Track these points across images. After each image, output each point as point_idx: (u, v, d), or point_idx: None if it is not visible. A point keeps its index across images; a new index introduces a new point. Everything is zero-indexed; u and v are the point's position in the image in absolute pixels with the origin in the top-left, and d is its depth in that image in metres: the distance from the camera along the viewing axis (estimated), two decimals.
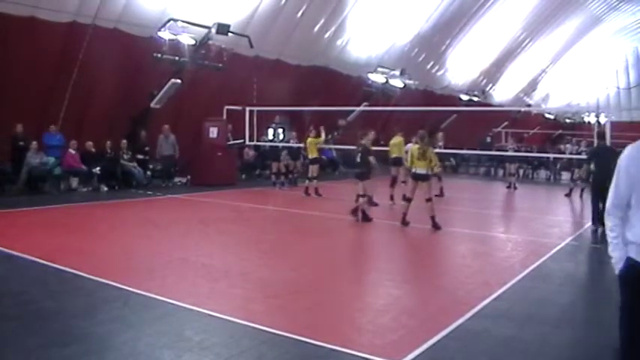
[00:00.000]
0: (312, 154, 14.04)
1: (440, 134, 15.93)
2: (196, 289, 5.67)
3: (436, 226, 9.55)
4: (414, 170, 9.83)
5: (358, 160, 10.27)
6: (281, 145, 16.14)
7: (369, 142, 10.51)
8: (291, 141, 15.76)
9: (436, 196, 13.67)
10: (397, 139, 11.83)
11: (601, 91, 38.93)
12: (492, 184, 20.18)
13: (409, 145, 10.27)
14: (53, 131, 13.27)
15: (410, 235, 9.48)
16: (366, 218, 10.02)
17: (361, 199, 10.05)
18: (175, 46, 14.02)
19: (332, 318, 5.05)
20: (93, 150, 13.80)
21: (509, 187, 17.33)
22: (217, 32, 13.93)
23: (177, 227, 9.26)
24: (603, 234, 8.29)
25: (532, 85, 34.73)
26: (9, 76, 12.09)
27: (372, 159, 10.43)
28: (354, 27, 19.62)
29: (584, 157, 15.46)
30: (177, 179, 15.66)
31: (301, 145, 14.92)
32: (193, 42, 14.24)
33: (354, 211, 10.14)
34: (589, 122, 33.07)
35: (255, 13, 16.11)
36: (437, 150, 13.53)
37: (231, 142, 16.18)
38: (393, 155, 12.37)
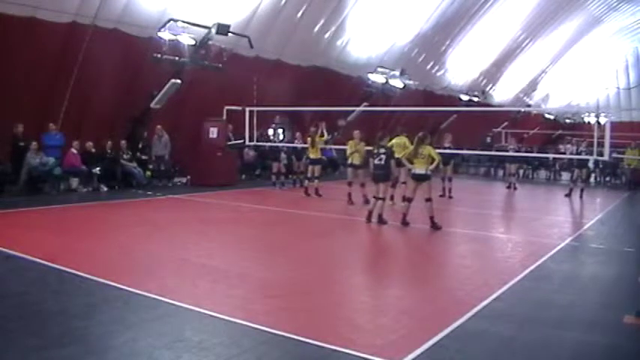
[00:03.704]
0: (315, 155, 14.04)
1: (448, 135, 15.83)
2: (196, 290, 5.67)
3: (435, 226, 9.55)
4: (413, 171, 9.83)
5: (378, 162, 10.07)
6: (282, 145, 16.12)
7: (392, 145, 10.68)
8: (296, 141, 15.71)
9: (440, 196, 13.72)
10: (400, 140, 11.81)
11: (601, 91, 38.93)
12: (492, 185, 20.19)
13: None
14: (52, 130, 13.24)
15: (410, 236, 9.48)
16: (382, 221, 9.92)
17: (379, 202, 9.96)
18: (175, 46, 13.99)
19: (332, 318, 5.05)
20: (93, 150, 13.79)
21: (509, 187, 17.33)
22: (217, 32, 13.92)
23: (177, 227, 9.26)
24: None
25: (532, 86, 34.72)
26: (9, 76, 12.08)
27: (393, 163, 10.39)
28: (354, 27, 19.61)
29: (584, 157, 15.55)
30: (177, 179, 15.66)
31: (305, 145, 14.83)
32: (193, 42, 14.22)
33: (370, 216, 9.98)
34: (589, 122, 33.07)
35: (255, 13, 16.09)
36: (441, 150, 13.54)
37: (232, 143, 16.17)
38: (395, 155, 12.36)
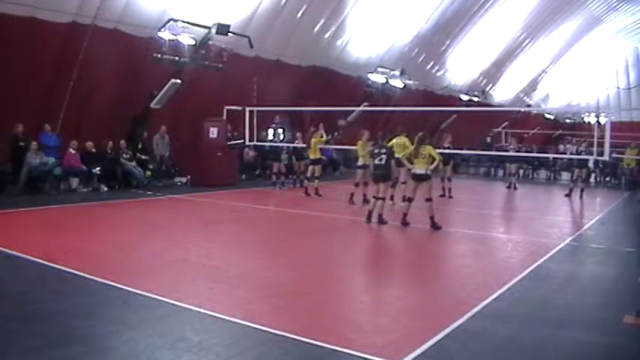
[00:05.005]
0: (315, 155, 14.06)
1: (447, 135, 15.83)
2: (196, 290, 5.67)
3: (435, 226, 9.55)
4: (413, 171, 9.83)
5: (378, 162, 10.08)
6: (282, 145, 16.12)
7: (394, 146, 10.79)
8: (296, 141, 15.74)
9: (440, 196, 13.72)
10: (400, 139, 11.81)
11: (601, 91, 38.90)
12: (492, 185, 20.19)
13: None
14: (48, 131, 13.21)
15: (410, 236, 9.48)
16: (382, 221, 9.92)
17: (379, 202, 9.94)
18: (175, 46, 13.98)
19: (332, 318, 5.05)
20: (93, 150, 13.79)
21: (509, 187, 17.34)
22: (217, 32, 13.92)
23: (178, 227, 9.26)
24: None
25: (532, 86, 34.69)
26: (9, 76, 12.06)
27: (393, 163, 10.39)
28: (354, 27, 19.60)
29: (584, 157, 15.55)
30: (177, 179, 15.67)
31: (304, 145, 14.86)
32: (193, 42, 14.22)
33: (370, 216, 9.98)
34: (589, 122, 33.05)
35: (255, 13, 16.09)
36: (441, 150, 13.54)
37: (232, 143, 16.16)
38: (395, 155, 12.35)
